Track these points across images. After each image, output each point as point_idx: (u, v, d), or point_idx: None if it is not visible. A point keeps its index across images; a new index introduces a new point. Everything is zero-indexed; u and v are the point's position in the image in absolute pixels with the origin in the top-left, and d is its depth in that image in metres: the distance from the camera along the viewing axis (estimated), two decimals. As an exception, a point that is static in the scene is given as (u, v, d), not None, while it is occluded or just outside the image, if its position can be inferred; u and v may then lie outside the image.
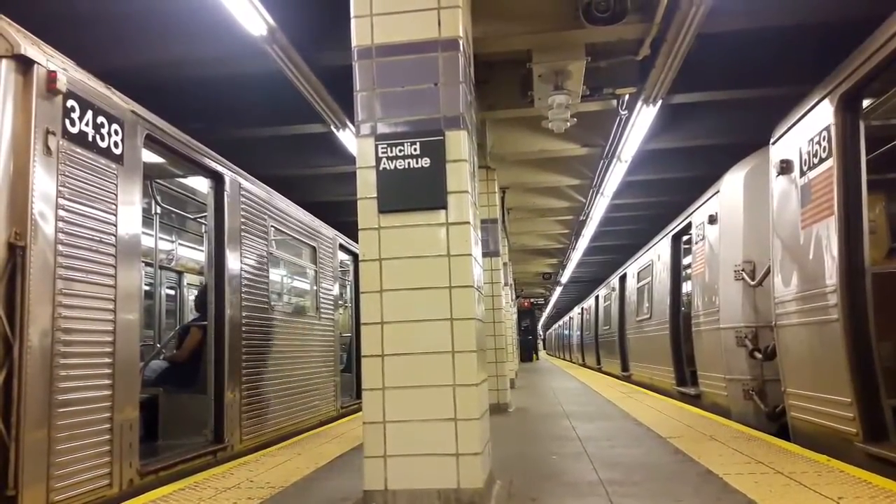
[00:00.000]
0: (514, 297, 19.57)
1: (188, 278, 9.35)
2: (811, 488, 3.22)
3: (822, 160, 4.19)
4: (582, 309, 23.96)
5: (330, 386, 7.32)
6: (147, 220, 5.87)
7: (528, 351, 26.89)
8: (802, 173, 4.47)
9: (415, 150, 3.04)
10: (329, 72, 5.89)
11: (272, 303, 5.83)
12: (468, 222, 3.03)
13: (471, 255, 3.02)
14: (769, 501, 3.05)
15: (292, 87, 5.94)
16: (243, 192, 5.31)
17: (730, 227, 6.51)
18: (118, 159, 3.60)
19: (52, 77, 3.09)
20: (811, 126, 4.37)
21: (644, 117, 6.99)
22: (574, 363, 26.27)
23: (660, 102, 6.56)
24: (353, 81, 3.14)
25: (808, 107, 4.42)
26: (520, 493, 3.38)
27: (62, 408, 3.08)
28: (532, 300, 30.82)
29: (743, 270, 6.16)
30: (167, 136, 4.29)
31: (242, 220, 5.26)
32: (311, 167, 9.27)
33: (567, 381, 13.48)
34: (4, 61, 2.98)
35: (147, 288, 7.12)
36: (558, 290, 29.54)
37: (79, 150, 3.29)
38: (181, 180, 6.31)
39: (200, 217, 7.03)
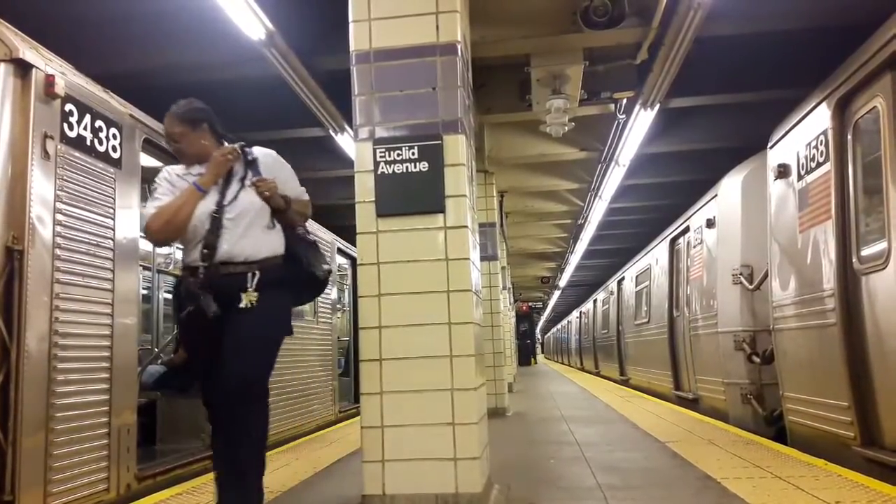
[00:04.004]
0: (512, 300, 19.57)
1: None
2: (809, 492, 3.22)
3: (819, 164, 4.20)
4: (580, 313, 23.96)
5: (328, 390, 7.31)
6: (145, 223, 5.86)
7: (526, 355, 26.88)
8: (800, 177, 4.48)
9: (413, 154, 3.04)
10: (327, 76, 5.90)
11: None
12: (466, 226, 3.03)
13: (469, 258, 3.03)
14: (767, 506, 3.05)
15: (291, 91, 5.94)
16: (241, 196, 5.30)
17: (727, 230, 6.52)
18: (116, 163, 3.60)
19: (50, 81, 3.09)
20: (808, 130, 4.38)
21: (642, 121, 7.00)
22: (572, 367, 26.27)
23: (657, 106, 6.57)
24: (351, 85, 3.14)
25: (806, 111, 4.44)
26: (518, 497, 3.38)
27: (60, 412, 3.08)
28: (530, 304, 30.79)
29: (741, 274, 6.16)
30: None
31: (240, 223, 5.24)
32: (309, 171, 9.25)
33: (565, 385, 13.48)
34: (3, 65, 2.98)
35: (145, 292, 7.11)
36: (557, 293, 29.55)
37: (77, 153, 3.29)
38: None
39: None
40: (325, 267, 2.90)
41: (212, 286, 2.68)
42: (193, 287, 2.70)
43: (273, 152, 2.93)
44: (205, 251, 2.71)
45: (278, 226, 2.81)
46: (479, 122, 6.67)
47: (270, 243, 2.78)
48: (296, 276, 2.82)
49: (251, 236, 2.73)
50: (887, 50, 3.51)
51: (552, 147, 7.88)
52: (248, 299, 2.66)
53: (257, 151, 2.88)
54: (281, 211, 2.78)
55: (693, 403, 7.73)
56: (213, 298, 2.66)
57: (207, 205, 2.74)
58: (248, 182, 2.78)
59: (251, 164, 2.83)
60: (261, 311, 2.64)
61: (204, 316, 2.64)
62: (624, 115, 6.87)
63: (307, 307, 7.32)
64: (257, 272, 2.67)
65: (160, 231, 2.79)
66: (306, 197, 2.99)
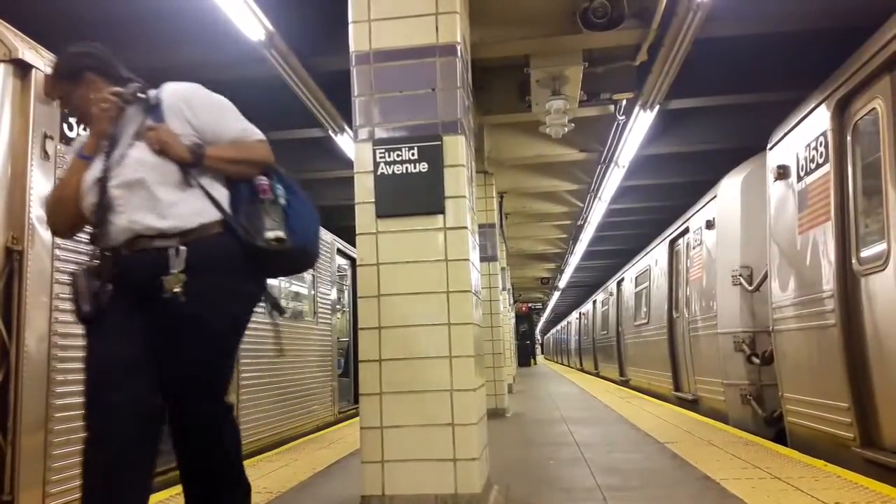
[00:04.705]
0: (512, 301, 19.57)
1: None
2: (808, 493, 3.22)
3: (818, 165, 4.20)
4: (580, 314, 23.97)
5: (327, 390, 7.31)
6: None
7: (526, 355, 26.90)
8: (799, 178, 4.48)
9: (412, 154, 3.04)
10: (327, 77, 5.90)
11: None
12: (466, 227, 3.03)
13: (468, 259, 3.03)
14: (767, 507, 3.05)
15: (290, 92, 5.95)
16: (241, 197, 5.29)
17: (727, 232, 6.52)
18: (116, 164, 3.59)
19: (50, 81, 3.08)
20: (808, 131, 4.38)
21: (641, 122, 7.01)
22: (572, 368, 26.28)
23: (657, 108, 6.58)
24: (351, 86, 3.14)
25: (805, 112, 4.44)
26: (517, 498, 3.38)
27: (59, 412, 3.07)
28: (530, 305, 30.82)
29: (740, 275, 6.17)
30: (165, 141, 4.28)
31: (240, 224, 5.24)
32: (308, 171, 9.27)
33: (565, 386, 13.48)
34: (2, 66, 2.98)
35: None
36: (556, 294, 29.55)
37: (76, 154, 3.29)
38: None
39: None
40: (272, 235, 2.11)
41: (120, 274, 2.06)
42: (77, 279, 2.07)
43: (188, 86, 2.24)
44: (95, 230, 2.11)
45: (203, 183, 2.12)
46: (479, 122, 6.68)
47: (192, 208, 2.09)
48: (244, 250, 2.11)
49: (156, 202, 2.06)
50: (886, 51, 3.52)
51: (552, 148, 7.88)
52: (172, 285, 1.97)
53: (167, 90, 2.21)
54: (190, 164, 2.10)
55: (693, 404, 7.73)
56: (125, 288, 2.05)
57: (94, 173, 2.12)
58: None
59: (153, 110, 2.15)
60: (199, 301, 2.00)
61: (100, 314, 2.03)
62: (623, 117, 6.87)
63: (306, 307, 7.34)
64: (181, 248, 2.02)
65: (49, 216, 2.26)
66: (254, 136, 2.25)
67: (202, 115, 2.18)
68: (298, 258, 2.28)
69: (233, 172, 2.20)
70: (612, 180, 9.38)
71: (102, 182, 2.08)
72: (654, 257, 10.12)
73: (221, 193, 2.17)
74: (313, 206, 2.30)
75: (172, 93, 2.20)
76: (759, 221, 5.52)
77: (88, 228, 2.18)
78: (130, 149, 2.10)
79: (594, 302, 19.41)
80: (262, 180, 2.19)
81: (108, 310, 2.05)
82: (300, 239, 2.17)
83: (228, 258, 2.10)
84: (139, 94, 2.18)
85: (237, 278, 2.13)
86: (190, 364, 2.06)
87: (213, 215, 2.11)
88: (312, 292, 7.24)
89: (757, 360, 5.95)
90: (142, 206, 2.06)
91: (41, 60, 3.12)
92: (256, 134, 2.26)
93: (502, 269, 11.26)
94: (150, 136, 2.09)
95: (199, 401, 2.10)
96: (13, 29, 3.14)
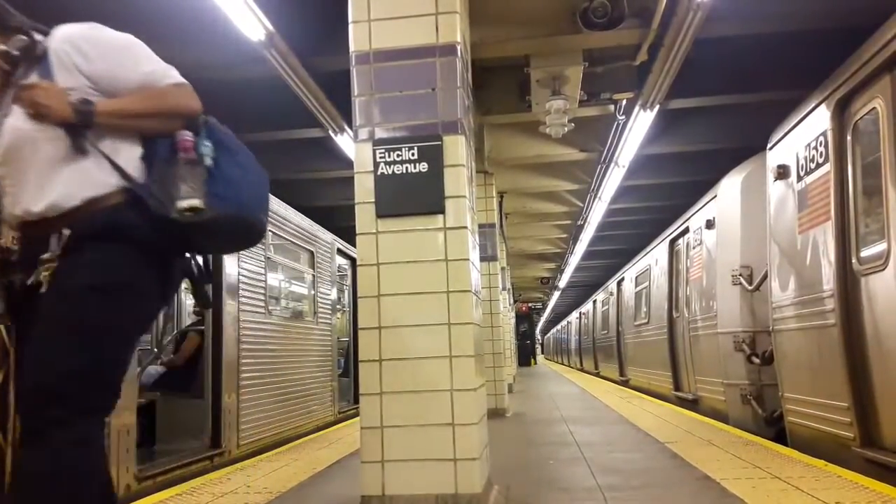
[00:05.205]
0: (512, 301, 19.57)
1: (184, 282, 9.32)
2: (808, 493, 3.22)
3: (818, 165, 4.20)
4: (580, 314, 23.98)
5: (327, 390, 7.31)
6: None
7: (526, 355, 26.94)
8: (799, 178, 4.48)
9: (412, 154, 3.04)
10: (327, 77, 5.90)
11: (270, 307, 5.83)
12: (466, 227, 3.03)
13: (468, 259, 3.03)
14: (767, 506, 3.04)
15: (290, 92, 5.94)
16: (241, 197, 5.29)
17: (727, 231, 6.52)
18: (116, 164, 3.59)
19: (50, 82, 3.07)
20: (808, 131, 4.38)
21: (641, 122, 7.01)
22: (572, 367, 26.29)
23: (657, 107, 6.57)
24: (351, 86, 3.14)
25: (805, 112, 4.44)
26: (517, 498, 3.38)
27: (59, 413, 3.07)
28: (530, 305, 30.82)
29: (740, 275, 6.16)
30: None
31: (240, 224, 5.24)
32: (308, 171, 9.27)
33: (565, 386, 13.48)
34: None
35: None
36: (556, 294, 29.55)
37: (76, 154, 3.28)
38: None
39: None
40: (185, 204, 1.69)
41: (19, 263, 1.76)
42: None
43: (80, 27, 1.84)
44: None
45: (103, 146, 1.73)
46: (479, 122, 6.68)
47: (80, 181, 1.71)
48: (154, 224, 1.74)
49: (33, 181, 1.70)
50: (887, 51, 3.52)
51: (552, 148, 7.88)
52: (43, 274, 1.66)
53: (55, 36, 1.80)
54: (77, 126, 1.70)
55: (693, 404, 7.73)
56: (24, 281, 1.71)
57: None
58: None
59: (39, 63, 1.75)
60: (66, 282, 1.65)
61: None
62: (623, 116, 6.87)
63: (306, 307, 7.34)
64: (64, 232, 1.68)
65: None
66: (166, 79, 1.81)
67: (96, 60, 1.78)
68: (233, 231, 1.86)
69: (145, 128, 1.80)
70: (612, 180, 9.38)
71: None
72: (655, 257, 10.12)
73: (130, 155, 1.78)
74: (258, 168, 1.89)
75: (59, 38, 1.79)
76: (759, 221, 5.52)
77: None
78: (7, 116, 1.72)
79: (594, 302, 19.41)
80: (186, 136, 1.76)
81: (24, 308, 1.74)
82: (229, 207, 1.76)
83: (128, 232, 1.72)
84: (28, 50, 1.78)
85: (138, 256, 1.74)
86: (41, 349, 1.65)
87: (111, 185, 1.73)
88: (312, 292, 7.24)
89: (757, 360, 5.95)
90: (23, 185, 1.71)
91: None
92: (170, 77, 1.82)
93: (502, 268, 11.27)
94: (22, 98, 1.71)
95: (32, 408, 1.64)
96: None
